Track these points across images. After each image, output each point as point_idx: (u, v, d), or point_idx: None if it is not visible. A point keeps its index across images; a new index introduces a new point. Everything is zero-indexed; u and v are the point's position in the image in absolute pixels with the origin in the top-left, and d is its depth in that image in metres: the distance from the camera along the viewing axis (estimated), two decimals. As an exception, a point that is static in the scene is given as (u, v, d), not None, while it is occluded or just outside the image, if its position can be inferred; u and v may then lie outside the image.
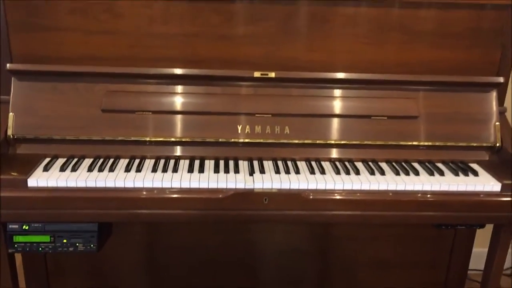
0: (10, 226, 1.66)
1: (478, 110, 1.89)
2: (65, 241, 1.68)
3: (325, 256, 2.26)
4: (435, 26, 1.92)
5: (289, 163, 1.79)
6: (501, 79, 1.89)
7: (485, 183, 1.72)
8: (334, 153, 1.85)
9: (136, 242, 2.17)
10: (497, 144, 1.87)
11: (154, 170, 1.70)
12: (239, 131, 1.82)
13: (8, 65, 1.78)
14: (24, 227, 1.66)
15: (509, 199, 1.69)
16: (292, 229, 2.20)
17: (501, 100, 1.93)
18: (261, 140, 1.82)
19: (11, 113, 1.76)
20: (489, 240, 1.89)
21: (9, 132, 1.75)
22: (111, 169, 1.69)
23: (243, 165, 1.77)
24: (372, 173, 1.75)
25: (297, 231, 2.21)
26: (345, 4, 1.87)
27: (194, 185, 1.65)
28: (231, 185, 1.65)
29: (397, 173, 1.75)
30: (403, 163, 1.83)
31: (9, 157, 1.74)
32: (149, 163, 1.76)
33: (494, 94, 1.89)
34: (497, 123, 1.88)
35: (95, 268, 2.20)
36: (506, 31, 1.91)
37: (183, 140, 1.81)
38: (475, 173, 1.77)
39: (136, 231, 2.15)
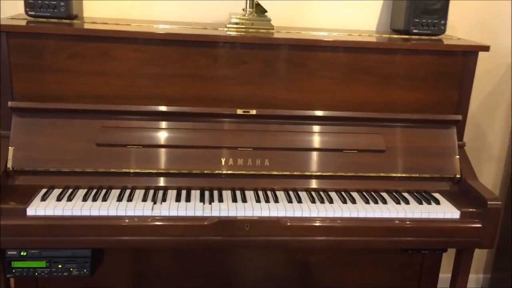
0: (8, 253, 1.76)
1: (440, 145, 2.06)
2: (60, 266, 1.79)
3: (304, 282, 2.37)
4: (402, 70, 2.07)
5: (269, 193, 1.93)
6: (460, 117, 2.08)
7: (445, 211, 1.89)
8: (310, 184, 2.00)
9: (125, 268, 2.26)
10: (457, 176, 2.04)
11: (144, 199, 1.83)
12: (223, 164, 1.96)
13: (9, 102, 1.90)
14: (22, 253, 1.76)
15: (467, 225, 1.86)
16: (273, 257, 2.32)
17: (460, 136, 2.10)
18: (243, 172, 1.96)
19: (10, 147, 1.87)
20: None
21: (9, 164, 1.86)
22: (104, 199, 1.81)
23: (227, 194, 1.90)
24: (344, 201, 1.90)
25: (278, 258, 2.32)
26: (320, 50, 2.02)
27: (182, 213, 1.78)
28: (216, 213, 1.79)
29: (367, 202, 1.91)
30: (372, 193, 1.99)
31: (9, 188, 1.84)
32: (139, 193, 1.88)
33: (454, 130, 2.07)
34: (457, 157, 2.05)
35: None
36: (463, 74, 2.08)
37: (171, 171, 1.94)
38: (437, 202, 1.94)
39: (125, 259, 2.24)
